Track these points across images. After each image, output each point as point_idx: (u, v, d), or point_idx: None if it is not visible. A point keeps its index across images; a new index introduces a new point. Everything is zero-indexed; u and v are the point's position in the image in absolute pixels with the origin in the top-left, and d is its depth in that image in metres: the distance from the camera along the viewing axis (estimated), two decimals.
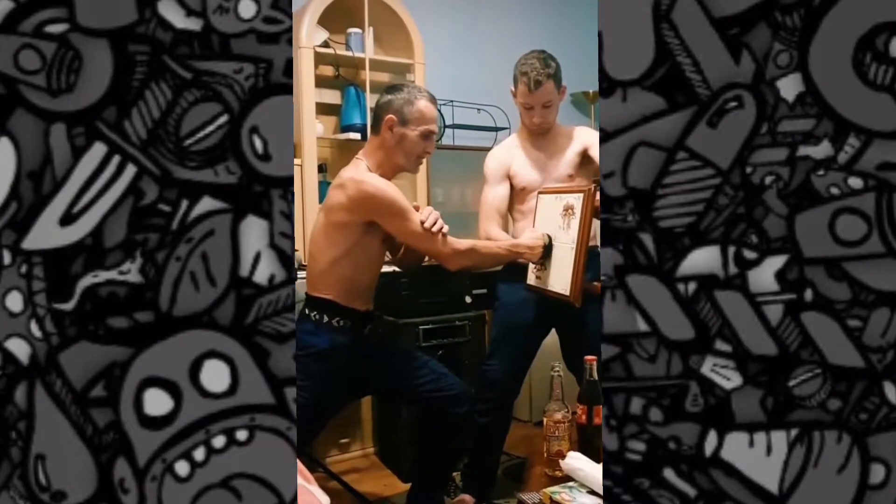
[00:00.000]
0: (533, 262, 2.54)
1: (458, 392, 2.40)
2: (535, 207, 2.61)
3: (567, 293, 2.32)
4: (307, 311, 2.27)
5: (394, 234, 2.28)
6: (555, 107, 2.63)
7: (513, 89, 2.65)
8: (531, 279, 2.56)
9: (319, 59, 3.48)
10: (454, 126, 4.07)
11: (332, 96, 3.66)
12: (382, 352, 2.43)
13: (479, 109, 4.17)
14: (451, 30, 4.26)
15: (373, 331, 2.40)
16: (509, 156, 2.74)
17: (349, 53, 3.54)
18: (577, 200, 2.34)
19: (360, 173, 2.25)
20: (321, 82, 3.53)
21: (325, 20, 3.43)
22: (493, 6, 4.47)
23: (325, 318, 2.25)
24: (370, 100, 3.52)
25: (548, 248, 2.47)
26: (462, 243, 2.33)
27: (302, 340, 2.17)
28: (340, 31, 3.56)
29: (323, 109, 3.58)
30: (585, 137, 2.70)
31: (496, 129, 4.16)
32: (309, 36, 3.35)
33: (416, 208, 2.31)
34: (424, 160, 2.43)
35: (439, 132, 4.00)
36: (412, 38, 3.68)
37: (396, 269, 2.82)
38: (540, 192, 2.61)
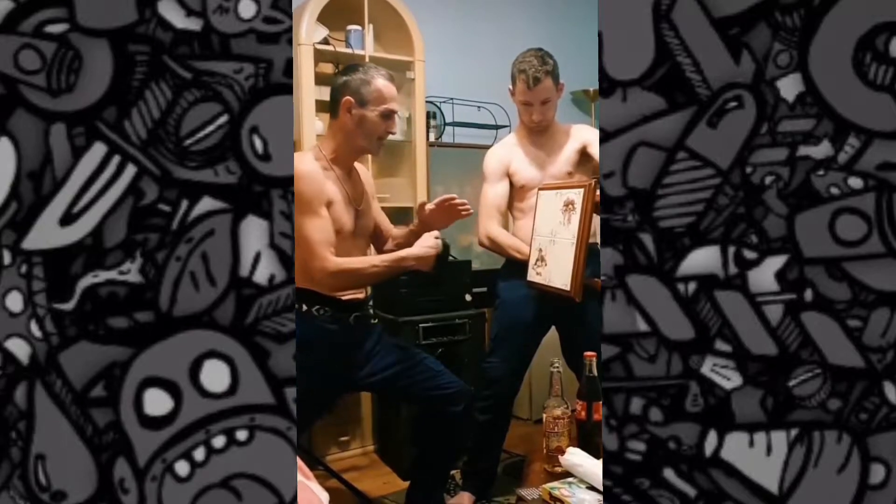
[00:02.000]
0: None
1: (455, 390, 2.37)
2: (535, 204, 2.61)
3: (568, 288, 2.32)
4: None
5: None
6: (553, 104, 2.63)
7: (511, 88, 2.66)
8: (531, 275, 2.56)
9: (319, 57, 3.48)
10: (454, 124, 4.07)
11: None
12: (372, 343, 2.36)
13: (478, 107, 4.17)
14: (451, 27, 4.25)
15: (360, 320, 2.31)
16: (509, 154, 2.75)
17: (349, 51, 3.54)
18: (577, 196, 2.35)
19: (298, 156, 2.17)
20: (321, 80, 3.52)
21: (325, 17, 3.42)
22: (493, 4, 4.46)
23: (305, 307, 2.19)
24: None
25: (442, 257, 2.27)
26: (335, 264, 2.13)
27: None
28: (340, 29, 3.56)
29: (323, 107, 3.57)
30: (584, 135, 2.71)
31: (496, 127, 4.16)
32: (309, 33, 3.35)
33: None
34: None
35: (439, 130, 4.01)
36: (412, 35, 3.67)
37: None
38: (540, 189, 2.61)
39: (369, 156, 2.85)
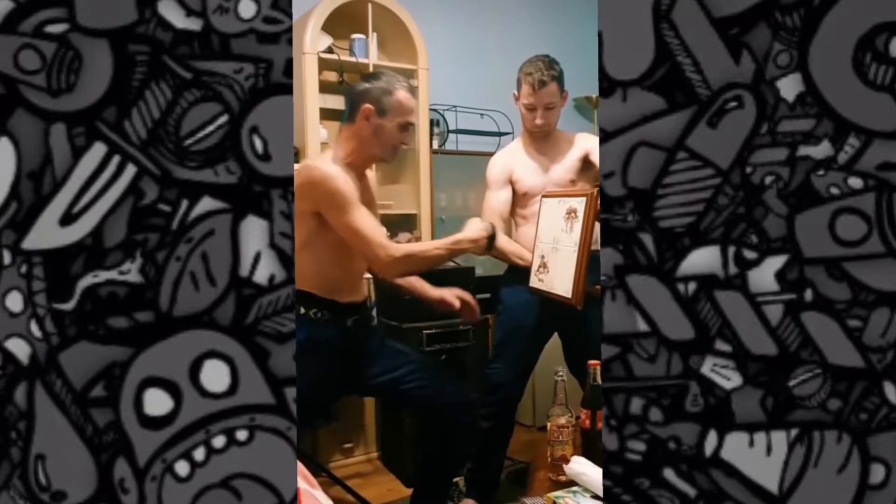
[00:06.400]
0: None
1: (461, 400, 2.39)
2: (538, 211, 2.62)
3: (569, 296, 2.32)
4: None
5: (334, 227, 2.15)
6: (557, 110, 2.64)
7: (515, 93, 2.67)
8: (534, 281, 2.57)
9: (323, 65, 3.49)
10: (457, 131, 4.08)
11: (336, 102, 3.67)
12: (372, 346, 2.36)
13: (482, 114, 4.19)
14: (454, 35, 4.27)
15: (358, 323, 2.31)
16: (511, 161, 2.76)
17: (353, 59, 3.56)
18: (579, 204, 2.35)
19: (316, 160, 2.19)
20: (325, 88, 3.54)
21: (329, 26, 3.44)
22: (496, 12, 4.48)
23: (303, 310, 2.18)
24: None
25: (492, 239, 2.35)
26: (399, 249, 2.21)
27: None
28: (344, 37, 3.58)
29: (327, 115, 3.59)
30: (586, 143, 2.73)
31: (499, 134, 4.17)
32: (313, 42, 3.36)
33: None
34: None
35: (443, 137, 4.02)
36: (416, 43, 3.69)
37: None
38: (543, 196, 2.62)
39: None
